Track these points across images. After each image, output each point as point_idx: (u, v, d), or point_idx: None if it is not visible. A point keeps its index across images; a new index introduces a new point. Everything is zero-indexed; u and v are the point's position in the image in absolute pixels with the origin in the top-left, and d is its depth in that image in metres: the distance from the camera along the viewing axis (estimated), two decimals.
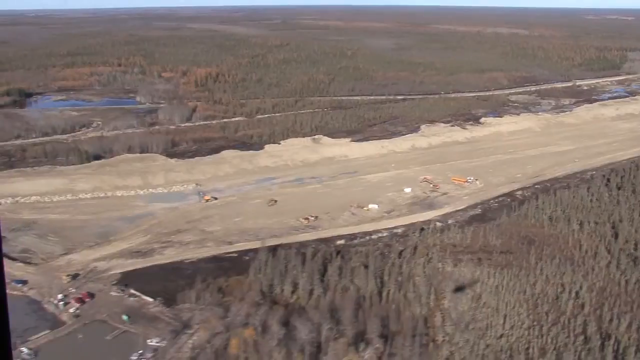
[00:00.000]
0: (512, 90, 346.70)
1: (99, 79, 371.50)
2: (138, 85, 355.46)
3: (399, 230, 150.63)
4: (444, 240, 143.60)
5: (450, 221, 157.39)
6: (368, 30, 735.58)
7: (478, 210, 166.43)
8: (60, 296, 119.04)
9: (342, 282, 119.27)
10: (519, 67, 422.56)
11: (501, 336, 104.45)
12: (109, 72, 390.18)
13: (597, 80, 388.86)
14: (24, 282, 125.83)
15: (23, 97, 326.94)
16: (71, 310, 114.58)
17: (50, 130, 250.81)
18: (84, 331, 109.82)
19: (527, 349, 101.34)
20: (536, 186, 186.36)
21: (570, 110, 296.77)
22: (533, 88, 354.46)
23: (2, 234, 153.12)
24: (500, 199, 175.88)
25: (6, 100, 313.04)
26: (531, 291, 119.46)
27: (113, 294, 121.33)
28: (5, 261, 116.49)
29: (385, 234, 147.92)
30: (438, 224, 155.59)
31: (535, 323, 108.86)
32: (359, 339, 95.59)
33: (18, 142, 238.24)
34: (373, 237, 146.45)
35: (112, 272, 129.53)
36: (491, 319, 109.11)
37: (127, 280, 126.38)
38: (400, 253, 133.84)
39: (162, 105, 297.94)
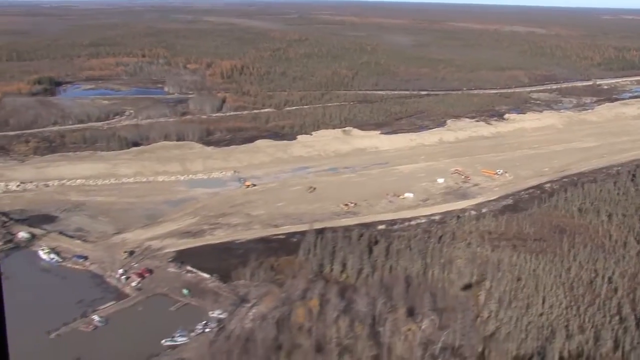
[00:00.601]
0: (533, 88, 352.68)
1: (125, 69, 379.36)
2: (164, 75, 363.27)
3: (436, 218, 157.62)
4: (479, 227, 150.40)
5: (484, 210, 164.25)
6: (384, 27, 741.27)
7: (510, 201, 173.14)
8: (121, 271, 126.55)
9: (388, 262, 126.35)
10: (539, 65, 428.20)
11: (541, 314, 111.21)
12: (134, 63, 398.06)
13: (617, 80, 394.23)
14: (85, 258, 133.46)
15: (53, 86, 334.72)
16: (133, 284, 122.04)
17: (85, 117, 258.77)
18: (147, 303, 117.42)
19: (567, 326, 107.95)
20: (564, 180, 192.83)
21: (592, 109, 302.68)
22: (554, 86, 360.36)
23: (54, 214, 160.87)
24: (530, 190, 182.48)
25: (38, 88, 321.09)
26: (566, 275, 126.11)
27: (170, 270, 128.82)
28: (63, 238, 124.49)
29: (423, 221, 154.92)
30: (472, 212, 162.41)
31: (572, 304, 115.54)
32: (412, 312, 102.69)
33: (55, 128, 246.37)
34: (412, 223, 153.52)
35: (166, 251, 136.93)
36: (531, 299, 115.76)
37: (182, 258, 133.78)
38: (439, 238, 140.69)
39: (190, 95, 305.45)
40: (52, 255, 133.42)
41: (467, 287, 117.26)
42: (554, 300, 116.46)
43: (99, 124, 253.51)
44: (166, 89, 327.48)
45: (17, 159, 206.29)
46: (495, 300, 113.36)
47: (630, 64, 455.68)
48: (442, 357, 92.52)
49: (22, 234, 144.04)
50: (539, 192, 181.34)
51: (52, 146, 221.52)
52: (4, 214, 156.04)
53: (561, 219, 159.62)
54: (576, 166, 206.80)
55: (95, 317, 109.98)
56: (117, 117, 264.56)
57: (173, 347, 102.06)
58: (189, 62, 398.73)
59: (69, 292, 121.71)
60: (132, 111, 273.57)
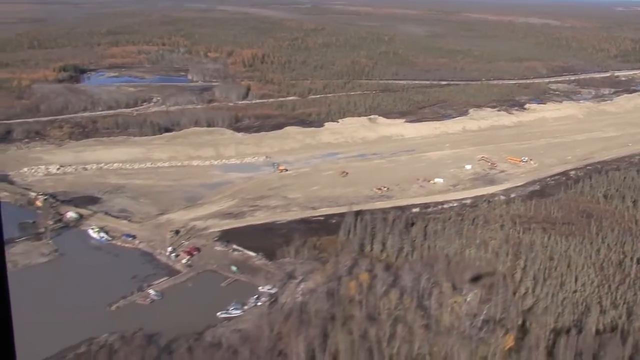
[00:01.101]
0: (551, 79, 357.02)
1: (147, 57, 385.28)
2: (186, 64, 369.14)
3: (467, 202, 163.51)
4: (509, 211, 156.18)
5: (512, 195, 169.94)
6: (398, 17, 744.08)
7: (537, 187, 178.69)
8: (170, 249, 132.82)
9: (426, 242, 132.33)
10: (555, 57, 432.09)
11: (575, 291, 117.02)
12: (155, 51, 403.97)
13: (635, 72, 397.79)
14: (133, 237, 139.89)
15: (78, 73, 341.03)
16: (183, 261, 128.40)
17: (114, 104, 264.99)
18: (198, 279, 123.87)
19: (599, 302, 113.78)
20: (588, 167, 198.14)
21: (611, 100, 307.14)
22: (572, 77, 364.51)
23: (97, 195, 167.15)
24: (556, 177, 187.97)
25: (64, 75, 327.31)
26: (596, 257, 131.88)
27: (217, 248, 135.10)
28: (109, 218, 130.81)
29: (455, 204, 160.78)
30: (502, 197, 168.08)
31: (603, 282, 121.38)
32: (455, 287, 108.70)
33: (86, 114, 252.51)
34: (445, 206, 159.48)
35: (210, 231, 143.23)
36: (564, 277, 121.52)
37: (227, 237, 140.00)
38: (473, 220, 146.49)
39: (215, 83, 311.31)
40: (102, 234, 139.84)
41: (503, 265, 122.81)
42: (585, 279, 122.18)
43: (128, 110, 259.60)
44: (189, 76, 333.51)
45: (54, 143, 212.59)
46: (530, 278, 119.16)
47: None
48: (485, 328, 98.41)
49: (70, 214, 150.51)
50: (564, 178, 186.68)
51: (85, 131, 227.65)
52: (51, 195, 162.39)
53: (587, 204, 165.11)
54: (599, 155, 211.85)
55: (151, 292, 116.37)
56: (145, 103, 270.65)
57: (228, 319, 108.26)
58: (209, 50, 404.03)
59: (122, 268, 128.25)
60: (158, 98, 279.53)
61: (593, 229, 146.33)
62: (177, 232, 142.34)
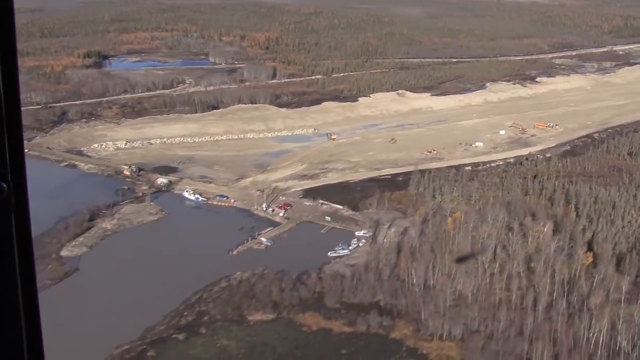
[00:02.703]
0: (554, 55, 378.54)
1: (163, 42, 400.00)
2: (203, 48, 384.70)
3: (511, 161, 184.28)
4: (550, 167, 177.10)
5: (548, 155, 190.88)
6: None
7: (567, 147, 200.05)
8: (264, 205, 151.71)
9: (487, 193, 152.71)
10: (553, 34, 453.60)
11: (623, 227, 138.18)
12: (170, 37, 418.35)
13: (630, 46, 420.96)
14: (226, 197, 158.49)
15: (101, 59, 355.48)
16: (281, 214, 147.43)
17: (151, 85, 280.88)
18: (299, 229, 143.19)
19: None
20: (608, 130, 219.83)
21: (614, 72, 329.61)
22: (573, 53, 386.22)
23: (173, 165, 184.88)
24: (582, 139, 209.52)
25: (89, 61, 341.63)
26: (634, 201, 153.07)
27: (306, 203, 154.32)
28: (195, 183, 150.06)
29: (501, 163, 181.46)
30: (539, 156, 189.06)
31: None
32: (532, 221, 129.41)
33: (128, 96, 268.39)
34: (492, 164, 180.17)
35: (293, 190, 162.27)
36: (612, 217, 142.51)
37: (310, 195, 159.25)
38: (521, 174, 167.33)
39: (238, 65, 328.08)
40: (197, 196, 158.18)
41: (559, 208, 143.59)
42: (630, 218, 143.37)
43: (167, 91, 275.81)
44: (212, 59, 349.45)
45: (111, 122, 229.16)
46: (584, 217, 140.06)
47: (639, 31, 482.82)
48: (558, 252, 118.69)
49: (161, 180, 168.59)
50: (589, 140, 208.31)
51: (135, 111, 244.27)
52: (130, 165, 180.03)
53: (615, 161, 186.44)
54: (615, 120, 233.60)
55: (263, 239, 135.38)
56: (180, 85, 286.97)
57: (339, 257, 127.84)
58: (222, 35, 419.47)
59: (228, 222, 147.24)
60: (191, 80, 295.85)
61: (626, 179, 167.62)
62: (263, 191, 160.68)
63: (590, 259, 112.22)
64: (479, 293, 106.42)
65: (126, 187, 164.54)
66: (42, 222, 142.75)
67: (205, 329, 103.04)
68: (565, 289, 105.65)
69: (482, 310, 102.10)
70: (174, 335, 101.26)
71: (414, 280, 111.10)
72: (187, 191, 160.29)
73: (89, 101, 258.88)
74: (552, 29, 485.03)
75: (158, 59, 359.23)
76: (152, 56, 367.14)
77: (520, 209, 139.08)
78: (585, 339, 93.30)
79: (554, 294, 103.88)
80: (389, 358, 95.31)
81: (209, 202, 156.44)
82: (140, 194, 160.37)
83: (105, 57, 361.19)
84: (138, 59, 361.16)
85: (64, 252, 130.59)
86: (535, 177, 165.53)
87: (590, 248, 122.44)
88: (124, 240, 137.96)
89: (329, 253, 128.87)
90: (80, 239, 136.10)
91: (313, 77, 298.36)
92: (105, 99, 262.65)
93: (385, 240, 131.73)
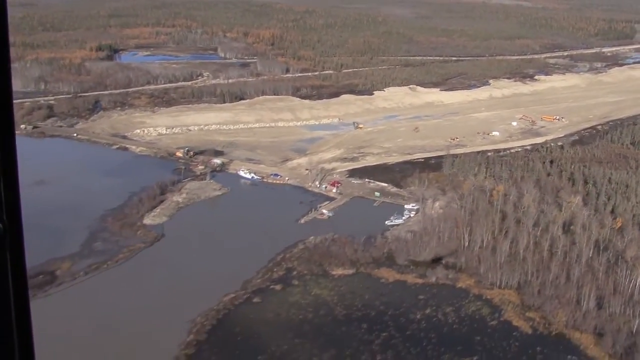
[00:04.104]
0: (547, 55, 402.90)
1: (170, 37, 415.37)
2: (208, 43, 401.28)
3: (528, 147, 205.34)
4: (563, 154, 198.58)
5: (559, 143, 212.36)
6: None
7: (576, 137, 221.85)
8: (317, 182, 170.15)
9: (514, 174, 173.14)
10: (542, 35, 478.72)
11: (638, 202, 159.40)
12: (174, 32, 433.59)
13: (616, 48, 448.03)
14: (279, 175, 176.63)
15: (112, 52, 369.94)
16: (334, 190, 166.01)
17: (172, 77, 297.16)
18: (352, 203, 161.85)
19: None
20: (609, 123, 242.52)
21: (606, 72, 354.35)
22: (564, 53, 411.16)
23: (218, 149, 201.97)
24: (587, 130, 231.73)
25: (101, 54, 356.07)
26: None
27: (354, 181, 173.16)
28: (246, 164, 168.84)
29: (519, 149, 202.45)
30: (552, 144, 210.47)
31: None
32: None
33: (152, 87, 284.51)
34: (512, 151, 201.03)
35: (338, 170, 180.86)
36: (627, 194, 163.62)
37: (355, 174, 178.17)
38: (540, 159, 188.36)
39: (248, 60, 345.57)
40: (252, 174, 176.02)
41: (580, 187, 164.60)
42: None
43: (188, 83, 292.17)
44: (221, 54, 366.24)
45: (146, 110, 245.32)
46: (603, 194, 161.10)
47: (622, 34, 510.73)
48: (591, 218, 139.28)
49: (215, 161, 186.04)
50: (594, 131, 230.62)
51: (164, 101, 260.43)
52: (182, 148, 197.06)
53: (620, 149, 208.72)
54: (615, 114, 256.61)
55: (324, 211, 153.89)
56: (199, 77, 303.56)
57: (395, 226, 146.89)
58: (225, 31, 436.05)
59: (287, 197, 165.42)
60: (208, 73, 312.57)
61: (632, 165, 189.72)
62: (311, 171, 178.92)
63: (620, 224, 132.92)
64: (528, 251, 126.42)
65: (183, 167, 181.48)
66: (116, 196, 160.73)
67: (297, 281, 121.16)
68: (602, 247, 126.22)
69: (533, 264, 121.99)
70: (271, 287, 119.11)
71: (470, 242, 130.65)
72: (242, 170, 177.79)
73: (115, 91, 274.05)
74: (541, 30, 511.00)
75: (169, 53, 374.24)
76: (161, 50, 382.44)
77: (547, 186, 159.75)
78: (624, 284, 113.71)
79: (593, 251, 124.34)
80: (460, 302, 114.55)
81: (264, 180, 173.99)
82: (198, 173, 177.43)
83: (115, 51, 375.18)
84: (149, 52, 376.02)
85: (146, 221, 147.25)
86: (552, 161, 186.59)
87: (614, 217, 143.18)
88: (197, 211, 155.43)
89: (386, 222, 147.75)
90: (157, 210, 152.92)
91: (324, 72, 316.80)
92: (130, 89, 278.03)
93: (433, 211, 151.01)
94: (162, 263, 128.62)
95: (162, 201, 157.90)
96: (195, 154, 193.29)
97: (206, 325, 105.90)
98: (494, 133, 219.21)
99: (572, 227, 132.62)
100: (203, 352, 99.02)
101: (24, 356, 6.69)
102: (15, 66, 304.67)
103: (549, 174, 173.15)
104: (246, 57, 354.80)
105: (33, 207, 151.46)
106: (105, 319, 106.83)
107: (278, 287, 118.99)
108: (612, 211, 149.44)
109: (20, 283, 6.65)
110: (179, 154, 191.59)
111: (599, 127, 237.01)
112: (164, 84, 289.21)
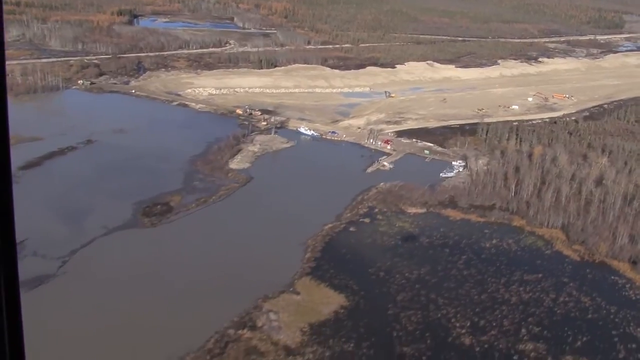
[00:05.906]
0: (545, 39, 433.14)
1: (184, 5, 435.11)
2: (222, 13, 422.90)
3: (547, 120, 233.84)
4: (579, 127, 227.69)
5: (573, 118, 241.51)
6: None
7: (586, 113, 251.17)
8: (371, 140, 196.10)
9: (542, 140, 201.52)
10: (538, 20, 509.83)
11: None
12: (187, 0, 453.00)
13: (609, 36, 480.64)
14: (337, 133, 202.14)
15: (132, 17, 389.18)
16: (388, 147, 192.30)
17: (202, 43, 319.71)
18: (406, 158, 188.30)
19: None
20: (614, 103, 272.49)
21: (602, 58, 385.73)
22: (561, 39, 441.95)
23: (270, 109, 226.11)
24: (595, 108, 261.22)
25: (123, 19, 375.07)
26: None
27: (403, 140, 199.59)
28: (300, 122, 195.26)
29: (539, 122, 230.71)
30: (567, 119, 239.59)
31: None
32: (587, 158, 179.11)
33: (185, 51, 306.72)
34: (534, 122, 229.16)
35: (386, 131, 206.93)
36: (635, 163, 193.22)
37: (402, 135, 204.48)
38: (562, 130, 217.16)
39: (267, 30, 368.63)
40: (312, 131, 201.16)
41: (600, 153, 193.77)
42: None
43: (218, 49, 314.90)
44: (240, 24, 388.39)
45: (189, 72, 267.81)
46: (621, 160, 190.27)
47: (613, 23, 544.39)
48: (620, 174, 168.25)
49: (275, 118, 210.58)
50: (602, 109, 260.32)
51: (202, 64, 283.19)
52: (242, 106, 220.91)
53: (626, 125, 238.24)
54: (617, 95, 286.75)
55: (386, 163, 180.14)
56: (227, 45, 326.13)
57: (448, 178, 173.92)
58: (238, 2, 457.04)
59: (348, 151, 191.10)
60: (233, 41, 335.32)
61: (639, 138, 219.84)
62: (362, 129, 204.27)
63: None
64: (568, 199, 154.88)
65: (247, 123, 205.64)
66: (195, 145, 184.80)
67: (380, 216, 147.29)
68: (631, 197, 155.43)
69: (574, 209, 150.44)
70: (361, 220, 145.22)
71: (518, 191, 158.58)
72: (302, 127, 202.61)
73: (152, 54, 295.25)
74: (535, 16, 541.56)
75: (187, 20, 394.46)
76: (179, 18, 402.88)
77: (575, 150, 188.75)
78: None
79: (625, 200, 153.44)
80: (518, 236, 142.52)
81: (322, 136, 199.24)
82: (263, 128, 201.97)
83: (135, 16, 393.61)
84: (167, 19, 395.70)
85: (232, 166, 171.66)
86: (570, 133, 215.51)
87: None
88: (273, 159, 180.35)
89: (440, 174, 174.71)
90: (239, 157, 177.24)
91: (343, 45, 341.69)
92: (165, 53, 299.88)
93: (478, 168, 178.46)
94: (259, 200, 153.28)
95: (239, 150, 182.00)
96: (259, 112, 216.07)
97: (317, 247, 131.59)
98: (513, 107, 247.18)
99: (603, 182, 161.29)
100: (322, 266, 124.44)
101: (15, 355, 7.10)
102: (47, 26, 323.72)
103: (571, 143, 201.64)
104: (264, 28, 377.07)
105: (126, 150, 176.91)
106: (233, 239, 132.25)
107: (367, 220, 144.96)
108: (630, 173, 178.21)
109: (13, 304, 6.89)
110: (239, 111, 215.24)
111: (605, 105, 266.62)
112: (195, 49, 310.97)
